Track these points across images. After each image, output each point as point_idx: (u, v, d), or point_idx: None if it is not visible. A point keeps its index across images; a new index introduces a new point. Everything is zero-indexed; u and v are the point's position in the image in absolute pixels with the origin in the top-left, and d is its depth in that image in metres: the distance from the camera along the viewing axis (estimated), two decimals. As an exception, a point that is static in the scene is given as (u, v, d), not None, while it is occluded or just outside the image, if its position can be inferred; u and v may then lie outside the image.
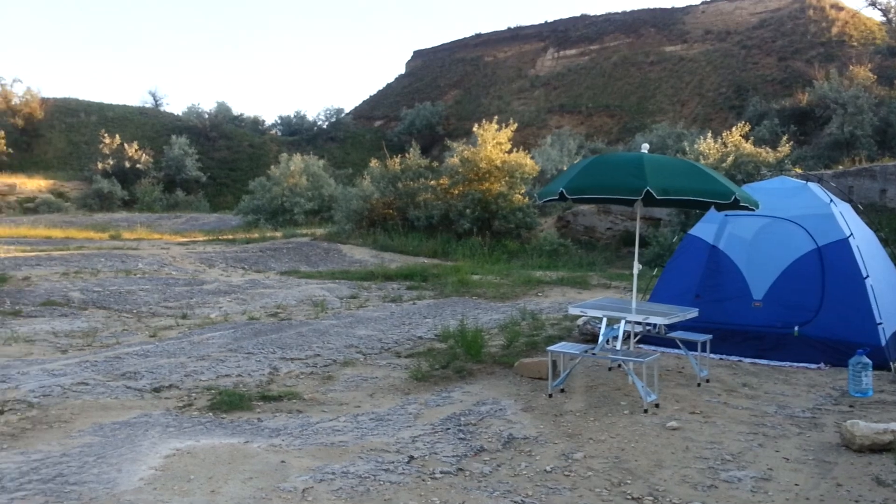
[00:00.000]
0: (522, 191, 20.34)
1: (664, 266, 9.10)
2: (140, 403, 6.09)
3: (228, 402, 6.06)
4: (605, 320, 6.64)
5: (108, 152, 37.70)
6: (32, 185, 36.24)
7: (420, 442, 5.16)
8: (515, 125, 22.02)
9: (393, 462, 4.73)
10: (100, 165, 37.10)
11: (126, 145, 38.11)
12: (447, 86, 52.45)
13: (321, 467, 4.61)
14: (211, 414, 5.86)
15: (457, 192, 20.51)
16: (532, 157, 22.53)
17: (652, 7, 49.92)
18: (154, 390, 6.46)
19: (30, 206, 34.18)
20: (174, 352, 7.90)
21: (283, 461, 4.72)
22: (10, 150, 38.23)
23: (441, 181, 20.93)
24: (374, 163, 22.56)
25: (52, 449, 4.95)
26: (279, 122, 52.44)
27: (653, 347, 7.88)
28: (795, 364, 7.48)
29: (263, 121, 52.73)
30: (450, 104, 49.60)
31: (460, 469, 4.64)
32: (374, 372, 7.30)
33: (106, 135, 38.33)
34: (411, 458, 4.83)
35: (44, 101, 43.09)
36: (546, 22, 53.57)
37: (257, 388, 6.60)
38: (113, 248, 17.05)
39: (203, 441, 5.15)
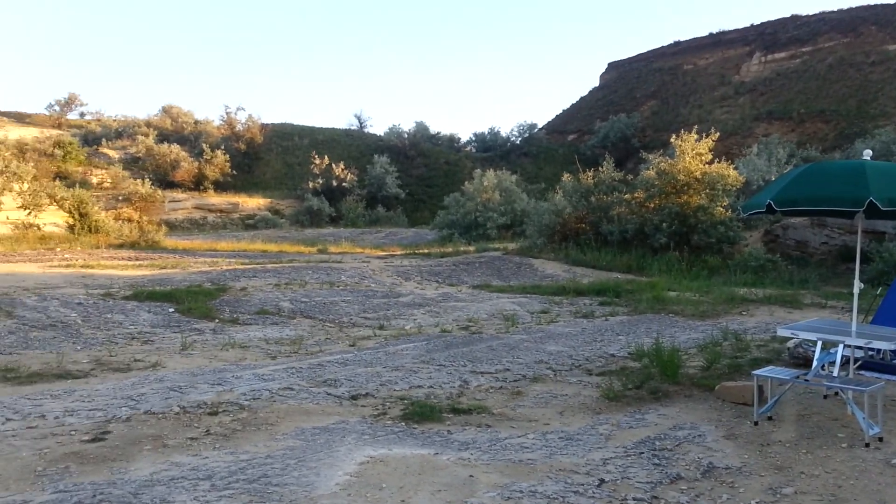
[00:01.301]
0: (724, 203, 19.27)
1: (889, 285, 8.18)
2: (339, 410, 6.35)
3: (420, 413, 6.16)
4: (819, 343, 6.05)
5: (317, 172, 40.41)
6: (252, 203, 39.63)
7: (612, 465, 4.95)
8: (717, 134, 20.94)
9: (583, 484, 4.56)
10: (310, 184, 39.85)
11: (334, 165, 40.64)
12: (643, 97, 51.05)
13: (509, 485, 4.54)
14: (403, 423, 5.98)
15: (653, 205, 19.82)
16: (735, 168, 21.31)
17: (872, 4, 45.60)
18: (352, 398, 6.72)
19: (250, 223, 37.40)
20: (371, 361, 8.20)
21: (471, 475, 4.70)
22: (234, 172, 42.01)
23: (636, 194, 20.33)
24: (566, 177, 22.39)
25: (259, 450, 5.26)
26: (474, 138, 53.64)
27: (876, 375, 7.07)
28: None
29: (459, 138, 54.20)
30: (646, 115, 48.23)
31: (655, 497, 4.38)
32: (564, 389, 7.14)
33: (316, 156, 41.10)
34: (602, 481, 4.63)
35: (263, 126, 47.04)
36: (752, 25, 50.71)
37: (448, 401, 6.67)
38: (320, 261, 18.16)
39: (395, 450, 5.26)
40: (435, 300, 13.08)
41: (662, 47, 55.47)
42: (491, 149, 50.23)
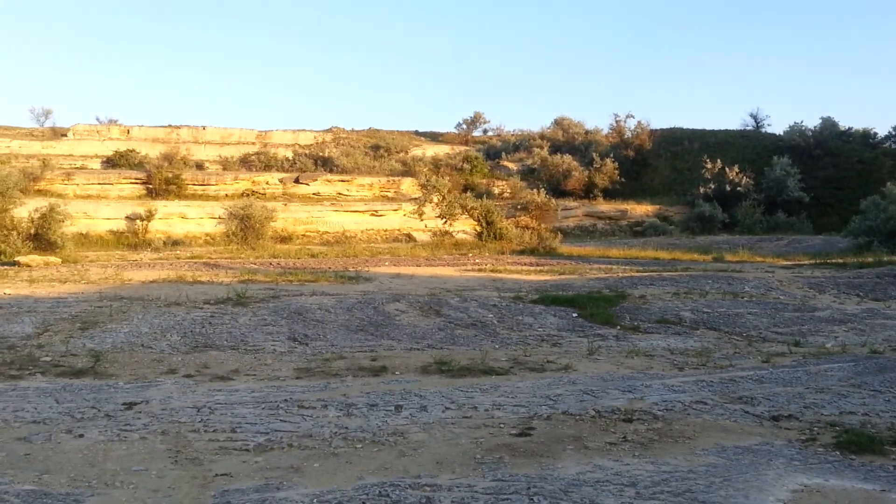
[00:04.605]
0: None
1: None
2: (759, 430, 5.97)
3: (857, 443, 5.52)
4: None
5: (709, 177, 38.96)
6: (640, 210, 39.64)
7: None
8: None
9: None
10: (701, 190, 38.55)
11: (727, 169, 38.82)
12: None
13: None
14: (837, 452, 5.41)
15: None
16: None
17: None
18: (772, 418, 6.27)
19: (638, 230, 37.45)
20: (790, 380, 7.58)
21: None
22: (622, 179, 42.43)
23: None
24: None
25: (679, 463, 5.16)
26: (894, 133, 46.97)
27: None
28: None
29: (875, 133, 47.85)
30: None
31: None
32: None
33: (707, 160, 39.67)
34: None
35: (652, 132, 46.77)
36: None
37: (889, 432, 5.88)
38: (717, 270, 17.40)
39: (832, 481, 4.79)
40: (858, 316, 11.66)
41: None
42: (918, 143, 43.53)
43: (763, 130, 48.79)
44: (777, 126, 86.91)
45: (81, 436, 5.55)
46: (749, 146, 44.61)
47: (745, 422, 6.19)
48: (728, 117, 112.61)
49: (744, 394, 7.02)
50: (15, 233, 20.79)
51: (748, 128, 49.27)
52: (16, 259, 18.34)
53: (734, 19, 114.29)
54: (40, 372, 7.60)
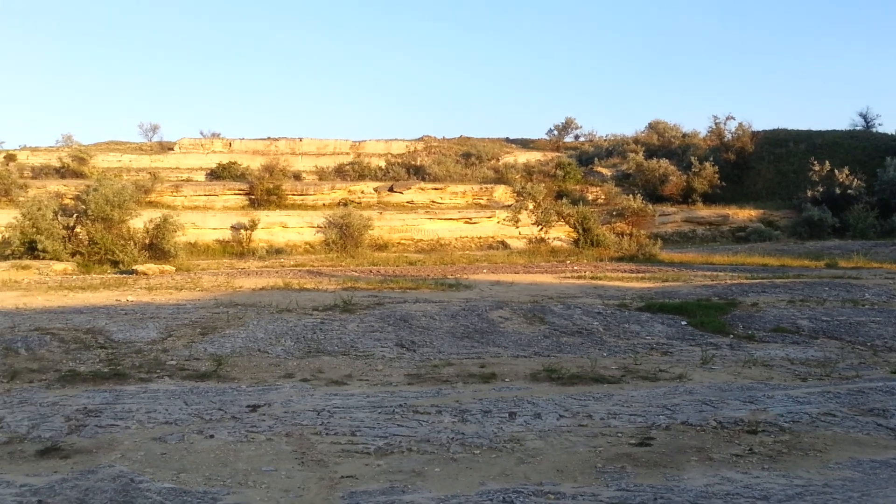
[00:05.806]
0: None
1: None
2: (894, 444, 5.67)
3: None
4: None
5: (817, 179, 37.30)
6: (743, 214, 38.28)
7: None
8: None
9: None
10: (809, 193, 36.94)
11: (836, 171, 37.08)
12: None
13: None
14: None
15: None
16: None
17: None
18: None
19: (741, 235, 36.18)
20: (927, 392, 7.17)
21: None
22: (723, 183, 41.09)
23: None
24: None
25: (813, 477, 4.96)
26: None
27: None
28: None
29: None
30: None
31: None
32: None
33: (815, 162, 38.01)
34: None
35: (754, 134, 45.15)
36: None
37: None
38: (832, 276, 16.64)
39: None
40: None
41: None
42: None
43: (874, 130, 46.42)
44: (889, 125, 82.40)
45: (212, 436, 5.79)
46: (859, 147, 42.47)
47: (879, 435, 5.89)
48: (835, 117, 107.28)
49: (875, 406, 6.68)
50: (132, 243, 21.92)
51: (857, 127, 46.97)
52: (134, 268, 19.32)
53: (837, 15, 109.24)
54: (167, 375, 7.98)
